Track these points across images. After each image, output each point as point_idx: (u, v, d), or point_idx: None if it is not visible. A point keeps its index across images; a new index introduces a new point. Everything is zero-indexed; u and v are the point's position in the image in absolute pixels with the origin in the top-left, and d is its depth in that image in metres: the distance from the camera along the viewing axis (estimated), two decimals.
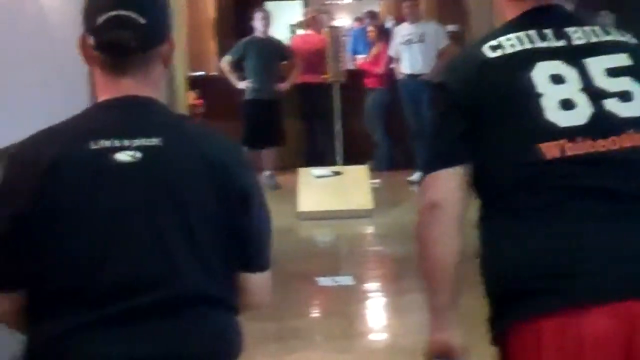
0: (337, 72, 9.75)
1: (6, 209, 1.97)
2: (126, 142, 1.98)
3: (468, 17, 10.96)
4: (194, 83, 10.60)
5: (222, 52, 10.96)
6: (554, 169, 2.08)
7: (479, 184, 2.19)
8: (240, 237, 2.06)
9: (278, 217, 8.60)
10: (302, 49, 10.50)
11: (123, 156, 1.97)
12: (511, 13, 2.29)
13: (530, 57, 2.17)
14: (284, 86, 10.06)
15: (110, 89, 2.06)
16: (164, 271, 1.97)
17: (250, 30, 10.20)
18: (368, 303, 6.21)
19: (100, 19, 1.99)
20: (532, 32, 2.20)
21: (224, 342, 2.07)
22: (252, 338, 5.08)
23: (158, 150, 1.99)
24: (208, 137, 2.11)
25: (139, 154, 1.97)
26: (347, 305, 6.02)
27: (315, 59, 10.20)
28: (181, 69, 9.90)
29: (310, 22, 11.15)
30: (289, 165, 9.87)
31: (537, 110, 2.11)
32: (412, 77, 9.94)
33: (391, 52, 10.32)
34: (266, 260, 2.14)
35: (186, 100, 9.92)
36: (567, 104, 2.12)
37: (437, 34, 10.07)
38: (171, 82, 9.69)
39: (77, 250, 1.95)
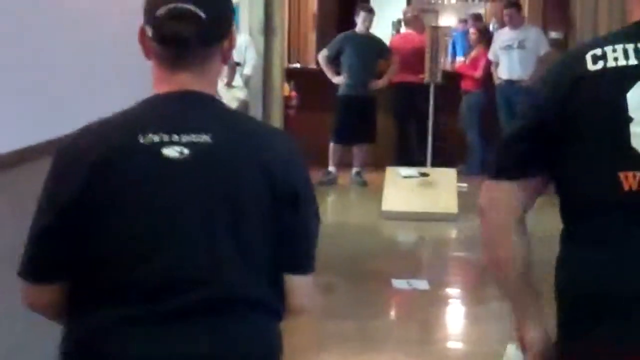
0: (434, 73, 9.65)
1: (54, 199, 1.97)
2: (175, 138, 1.96)
3: (573, 23, 10.76)
4: (291, 75, 10.63)
5: (322, 46, 10.96)
6: (630, 201, 1.97)
7: (558, 197, 2.12)
8: (287, 236, 2.03)
9: (362, 214, 8.64)
10: (401, 48, 10.43)
11: (171, 152, 1.95)
12: (635, 15, 2.11)
13: (631, 76, 1.99)
14: (379, 84, 10.02)
15: (166, 83, 2.04)
16: (209, 270, 1.96)
17: (352, 24, 10.18)
18: (441, 309, 6.14)
19: (161, 11, 1.98)
20: None
21: (263, 345, 2.05)
22: (326, 335, 5.13)
23: (207, 147, 1.97)
24: (260, 134, 2.08)
25: (186, 151, 1.95)
26: (419, 309, 5.96)
27: (414, 58, 10.11)
28: (279, 61, 9.94)
29: (412, 21, 11.06)
30: (379, 163, 9.81)
31: (623, 136, 1.97)
32: (509, 82, 9.82)
33: (490, 56, 10.20)
34: (311, 262, 2.10)
35: (281, 92, 9.95)
36: None
37: (537, 40, 9.91)
38: (267, 73, 9.75)
39: (121, 244, 1.95)
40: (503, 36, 10.09)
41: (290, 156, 2.07)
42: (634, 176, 1.96)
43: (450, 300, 6.32)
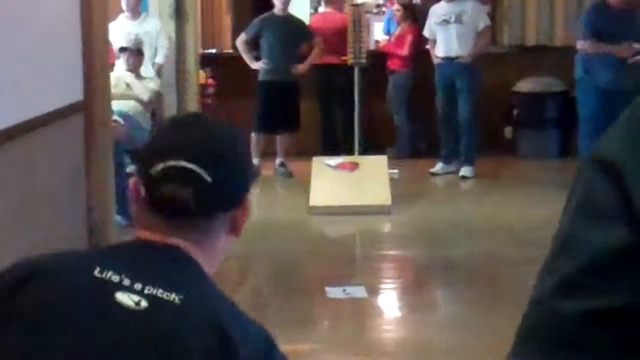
0: (358, 54, 9.10)
1: None
2: (137, 286, 1.57)
3: None
4: (207, 61, 10.03)
5: (238, 29, 10.35)
6: None
7: None
8: None
9: (289, 209, 8.00)
10: (322, 28, 9.87)
11: (125, 298, 1.56)
12: None
13: None
14: (301, 68, 9.45)
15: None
16: None
17: (269, 6, 9.58)
18: (383, 319, 5.61)
19: (156, 168, 1.59)
20: None
21: None
22: None
23: (171, 308, 1.56)
24: (237, 317, 1.64)
25: (145, 303, 1.55)
26: (359, 320, 5.43)
27: (336, 38, 9.57)
28: (192, 47, 9.33)
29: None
30: (304, 152, 9.23)
31: None
32: (447, 60, 9.20)
33: (426, 32, 9.57)
34: None
35: (196, 80, 9.36)
36: None
37: (476, 13, 9.30)
38: (181, 60, 9.15)
39: None
40: (439, 10, 9.35)
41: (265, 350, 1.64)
42: None
43: (389, 309, 5.81)
